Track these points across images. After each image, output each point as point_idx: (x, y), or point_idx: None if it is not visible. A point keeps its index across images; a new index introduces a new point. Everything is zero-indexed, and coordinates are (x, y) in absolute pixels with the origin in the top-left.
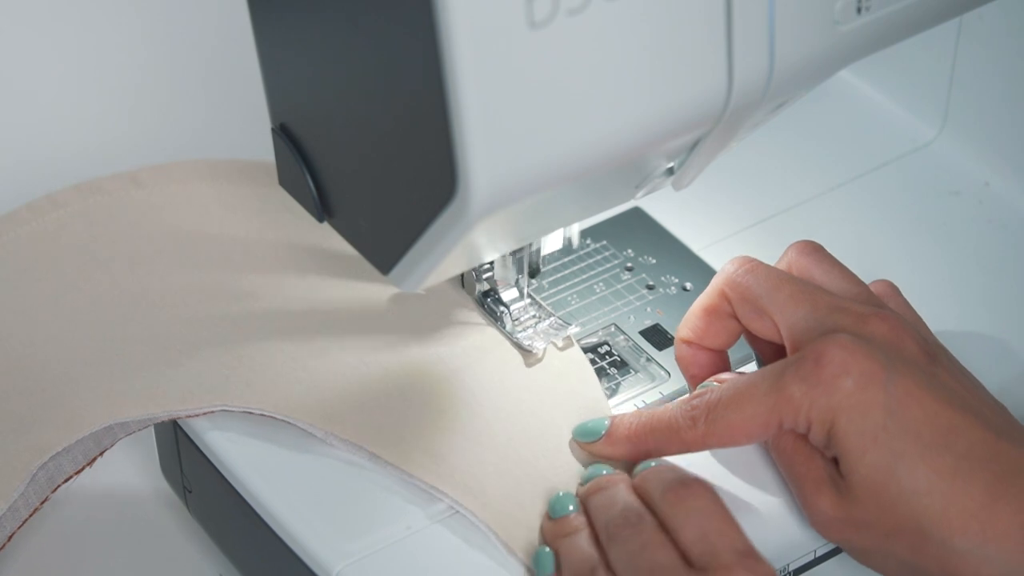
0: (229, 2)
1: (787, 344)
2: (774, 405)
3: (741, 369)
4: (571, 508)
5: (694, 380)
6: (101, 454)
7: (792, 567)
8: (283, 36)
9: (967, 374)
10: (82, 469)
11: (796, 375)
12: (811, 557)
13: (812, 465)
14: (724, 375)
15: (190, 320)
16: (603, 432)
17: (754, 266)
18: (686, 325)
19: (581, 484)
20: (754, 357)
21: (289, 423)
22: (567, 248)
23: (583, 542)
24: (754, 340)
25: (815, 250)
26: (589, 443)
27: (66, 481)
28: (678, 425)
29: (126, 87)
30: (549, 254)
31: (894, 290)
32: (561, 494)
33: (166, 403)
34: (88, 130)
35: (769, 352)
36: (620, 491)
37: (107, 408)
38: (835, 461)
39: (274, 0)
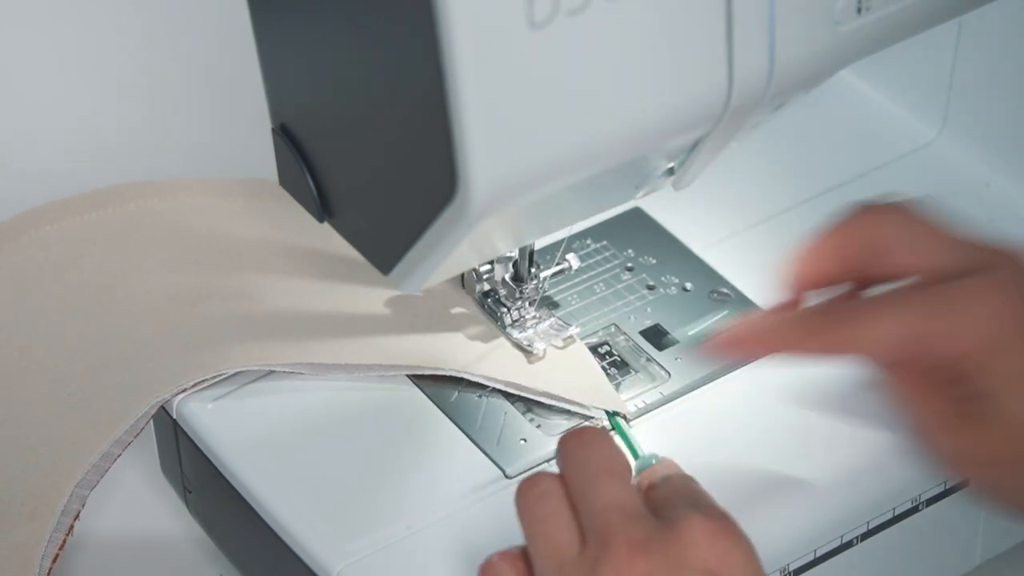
0: (229, 2)
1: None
2: (921, 332)
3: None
4: None
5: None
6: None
7: (792, 567)
8: (283, 36)
9: None
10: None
11: (951, 306)
12: (811, 557)
13: (944, 401)
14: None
15: (179, 323)
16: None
17: (885, 208)
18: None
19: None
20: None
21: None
22: (567, 248)
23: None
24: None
25: (892, 210)
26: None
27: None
28: (816, 326)
29: (125, 87)
30: (550, 276)
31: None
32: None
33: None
34: (88, 130)
35: None
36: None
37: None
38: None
39: (274, 0)
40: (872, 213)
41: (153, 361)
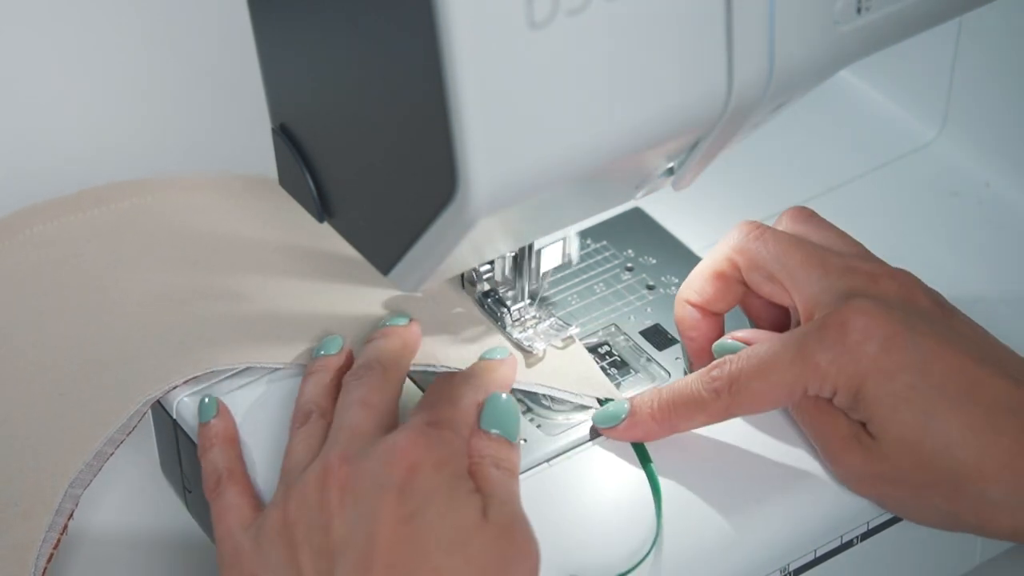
0: (229, 2)
1: (800, 308)
2: (800, 373)
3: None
4: (324, 352)
5: (692, 343)
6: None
7: (792, 567)
8: (283, 36)
9: (975, 323)
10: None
11: (820, 343)
12: (811, 557)
13: (838, 424)
14: (740, 332)
15: (174, 322)
16: (624, 416)
17: (762, 231)
18: (690, 287)
19: None
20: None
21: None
22: (567, 263)
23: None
24: (749, 305)
25: (809, 216)
26: (610, 428)
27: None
28: (702, 398)
29: (125, 87)
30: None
31: (815, 215)
32: (331, 336)
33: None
34: (87, 129)
35: (766, 316)
36: (386, 343)
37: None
38: (861, 423)
39: (274, 0)
40: (754, 237)
41: (146, 360)
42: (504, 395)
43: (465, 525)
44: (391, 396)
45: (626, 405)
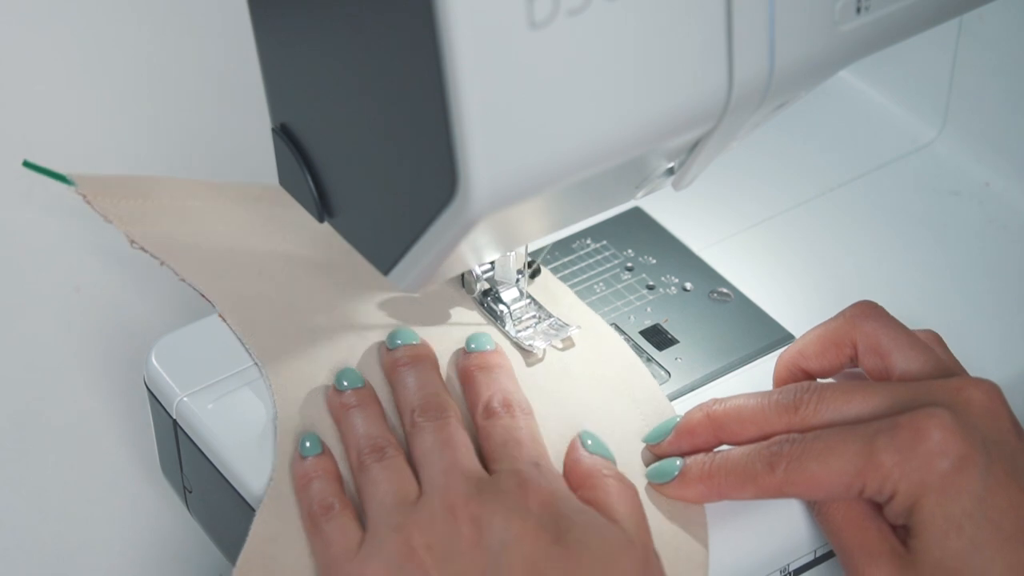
0: (229, 2)
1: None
2: (863, 467)
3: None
4: (349, 384)
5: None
6: None
7: (792, 567)
8: (283, 36)
9: None
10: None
11: (891, 443)
12: (811, 557)
13: (871, 536)
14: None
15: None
16: (676, 473)
17: (883, 315)
18: (803, 356)
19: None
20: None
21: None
22: (567, 248)
23: (369, 419)
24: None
25: (881, 314)
26: (661, 484)
27: None
28: (755, 470)
29: (125, 87)
30: (544, 248)
31: (940, 341)
32: (348, 368)
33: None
34: (86, 129)
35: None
36: (430, 374)
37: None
38: (896, 530)
39: (274, 0)
40: (867, 315)
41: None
42: (591, 434)
43: (611, 545)
44: (467, 435)
45: (678, 463)
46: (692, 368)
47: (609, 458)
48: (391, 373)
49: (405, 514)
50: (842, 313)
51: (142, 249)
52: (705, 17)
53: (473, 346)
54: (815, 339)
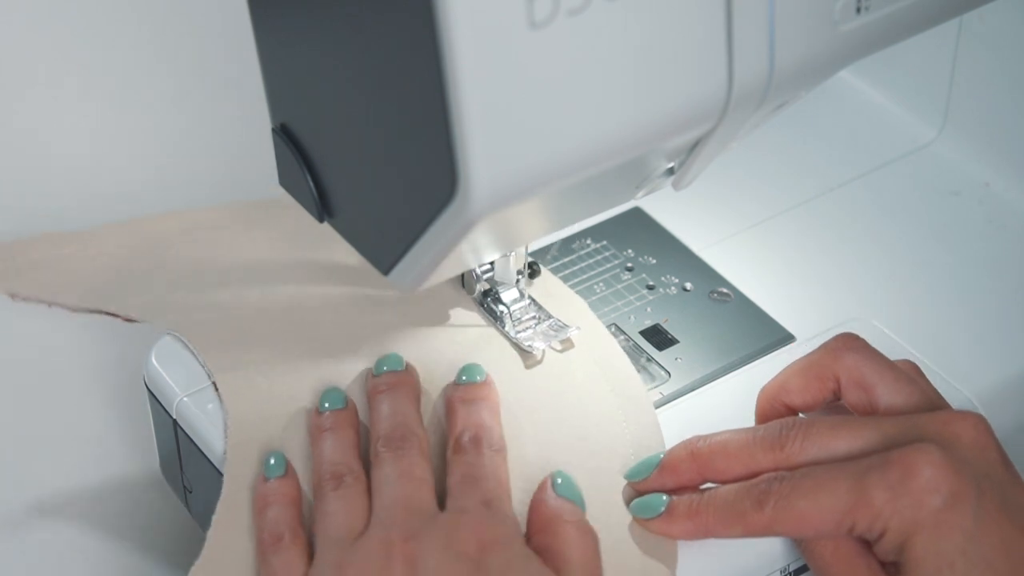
0: (229, 2)
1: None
2: (854, 504)
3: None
4: (329, 405)
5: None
6: None
7: (792, 567)
8: (283, 36)
9: None
10: None
11: (882, 480)
12: None
13: (858, 573)
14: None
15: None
16: (662, 509)
17: (865, 348)
18: (786, 390)
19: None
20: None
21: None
22: (567, 248)
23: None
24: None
25: (862, 346)
26: (647, 519)
27: None
28: (743, 507)
29: (123, 86)
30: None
31: (920, 372)
32: (333, 388)
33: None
34: (86, 129)
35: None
36: (403, 403)
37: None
38: (886, 567)
39: (274, 1)
40: (849, 347)
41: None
42: (564, 475)
43: None
44: (429, 466)
45: (664, 498)
46: (692, 368)
47: (577, 502)
48: (371, 399)
49: (344, 550)
50: (824, 345)
51: (24, 300)
52: (705, 17)
53: (464, 378)
54: (797, 373)
